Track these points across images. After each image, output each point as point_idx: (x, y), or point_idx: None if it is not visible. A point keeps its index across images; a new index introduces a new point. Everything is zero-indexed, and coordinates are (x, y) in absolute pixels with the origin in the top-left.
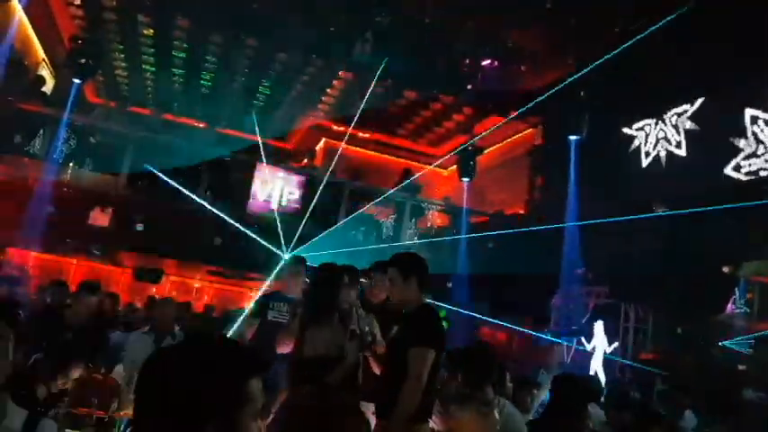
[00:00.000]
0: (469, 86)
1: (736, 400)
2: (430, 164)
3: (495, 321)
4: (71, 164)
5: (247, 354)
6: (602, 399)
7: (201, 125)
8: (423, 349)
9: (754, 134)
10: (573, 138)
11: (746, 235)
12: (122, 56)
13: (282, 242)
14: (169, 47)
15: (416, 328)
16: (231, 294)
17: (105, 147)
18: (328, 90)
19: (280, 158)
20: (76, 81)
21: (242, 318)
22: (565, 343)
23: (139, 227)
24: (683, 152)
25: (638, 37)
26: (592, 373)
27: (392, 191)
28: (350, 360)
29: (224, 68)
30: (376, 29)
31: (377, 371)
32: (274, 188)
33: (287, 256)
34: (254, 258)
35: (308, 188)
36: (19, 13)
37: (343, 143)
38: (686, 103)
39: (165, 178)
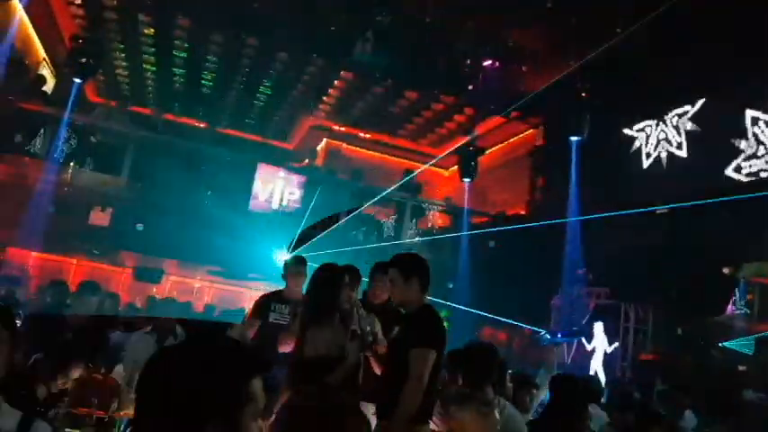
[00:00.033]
0: (470, 87)
1: (737, 401)
2: (430, 164)
3: (496, 321)
4: (72, 163)
5: (249, 354)
6: (603, 399)
7: (202, 125)
8: (424, 350)
9: (755, 135)
10: (574, 138)
11: (747, 236)
12: (123, 55)
13: (283, 242)
14: (170, 46)
15: (417, 329)
16: (231, 294)
17: (106, 146)
18: (329, 90)
19: (280, 158)
20: (77, 80)
21: (243, 318)
22: (565, 342)
23: (140, 227)
24: (683, 153)
25: (632, 29)
26: (592, 373)
27: (391, 186)
28: (350, 360)
29: (225, 68)
30: (377, 29)
31: (378, 371)
32: (275, 188)
33: (287, 256)
34: (255, 258)
35: (309, 188)
36: (20, 13)
37: (344, 143)
38: (687, 104)
39: (166, 178)
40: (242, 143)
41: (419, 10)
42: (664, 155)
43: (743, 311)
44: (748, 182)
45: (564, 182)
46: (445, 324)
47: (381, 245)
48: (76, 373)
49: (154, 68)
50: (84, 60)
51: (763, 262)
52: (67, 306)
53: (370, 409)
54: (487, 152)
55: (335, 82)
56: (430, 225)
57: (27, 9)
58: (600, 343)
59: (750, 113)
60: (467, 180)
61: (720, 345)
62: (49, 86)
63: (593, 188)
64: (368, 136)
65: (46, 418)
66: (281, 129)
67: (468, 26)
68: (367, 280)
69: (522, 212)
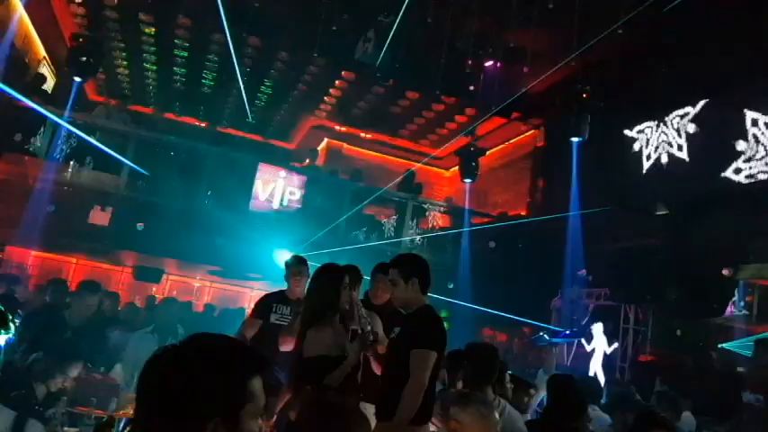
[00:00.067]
0: (472, 87)
1: (735, 403)
2: (432, 164)
3: (496, 322)
4: (71, 162)
5: (249, 353)
6: (602, 400)
7: (203, 124)
8: (424, 351)
9: (755, 137)
10: (575, 140)
11: (747, 238)
12: (123, 54)
13: (283, 242)
14: (170, 45)
15: (418, 330)
16: (231, 294)
17: (106, 145)
18: (331, 90)
19: (281, 158)
20: (77, 79)
21: (244, 318)
22: (565, 343)
23: (140, 226)
24: (684, 155)
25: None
26: (591, 373)
27: (389, 183)
28: (350, 360)
29: (225, 67)
30: (378, 29)
31: (377, 371)
32: (276, 188)
33: (288, 257)
34: (255, 258)
35: (310, 188)
36: (20, 11)
37: (345, 143)
38: (688, 106)
39: (166, 177)
40: (243, 142)
41: (421, 10)
42: (664, 156)
43: (742, 313)
44: (748, 183)
45: (565, 183)
46: (445, 324)
47: (382, 245)
48: (75, 372)
49: (154, 68)
50: (84, 59)
51: (762, 264)
52: (67, 305)
53: (369, 410)
54: (488, 153)
55: (336, 82)
56: (431, 225)
57: (27, 7)
58: (599, 344)
59: (750, 115)
60: (468, 181)
61: (719, 346)
62: (49, 85)
63: (593, 189)
64: (369, 136)
65: (44, 417)
66: (283, 128)
67: (470, 27)
68: (368, 279)
69: (523, 213)
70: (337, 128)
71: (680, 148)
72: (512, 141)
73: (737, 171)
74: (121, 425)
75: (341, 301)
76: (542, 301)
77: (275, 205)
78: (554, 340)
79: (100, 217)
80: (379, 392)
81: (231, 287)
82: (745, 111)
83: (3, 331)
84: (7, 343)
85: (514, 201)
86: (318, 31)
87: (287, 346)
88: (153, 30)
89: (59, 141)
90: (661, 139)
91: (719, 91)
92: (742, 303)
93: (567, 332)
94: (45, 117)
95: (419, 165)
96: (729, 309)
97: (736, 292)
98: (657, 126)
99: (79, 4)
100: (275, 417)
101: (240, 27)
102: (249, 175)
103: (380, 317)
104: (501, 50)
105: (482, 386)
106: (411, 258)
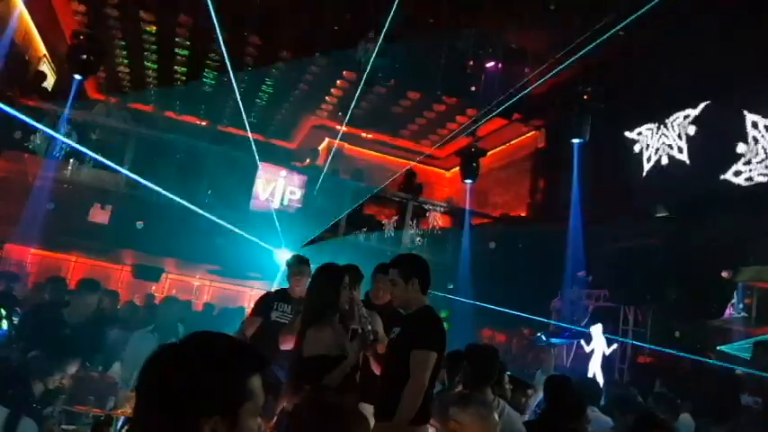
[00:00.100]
0: (473, 88)
1: (734, 405)
2: (433, 165)
3: (496, 323)
4: (71, 160)
5: (249, 351)
6: (602, 402)
7: (203, 123)
8: (425, 352)
9: (755, 139)
10: (576, 141)
11: (746, 240)
12: (124, 52)
13: (283, 242)
14: (171, 44)
15: (418, 331)
16: (231, 293)
17: (106, 143)
18: (332, 90)
19: (282, 158)
20: (78, 77)
21: (244, 316)
22: (565, 344)
23: (139, 224)
24: (684, 157)
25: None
26: (590, 375)
27: (392, 187)
28: (350, 360)
29: (227, 66)
30: (380, 29)
31: (377, 371)
32: (276, 187)
33: (288, 256)
34: (255, 258)
35: (310, 188)
36: (20, 8)
37: (346, 143)
38: (688, 108)
39: (166, 176)
40: (243, 142)
41: (423, 10)
42: (665, 158)
43: (741, 315)
44: (748, 186)
45: (565, 184)
46: (445, 325)
47: (382, 245)
48: (73, 369)
49: (155, 66)
50: (84, 57)
51: (761, 266)
52: (66, 303)
53: (368, 410)
54: (489, 153)
55: (338, 82)
56: (431, 226)
57: (27, 4)
58: (599, 345)
59: (750, 117)
60: (468, 181)
61: (718, 348)
62: (49, 83)
63: (593, 190)
64: (370, 136)
65: (41, 416)
66: (284, 128)
67: (471, 27)
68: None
69: (524, 214)
70: (338, 127)
71: (680, 150)
72: (513, 142)
73: (737, 173)
74: (119, 423)
75: (341, 300)
76: (542, 302)
77: (276, 205)
78: (552, 341)
79: (99, 215)
80: (378, 392)
81: (231, 286)
82: (746, 113)
83: None
84: None
85: (515, 202)
86: (320, 30)
87: (287, 345)
88: (154, 28)
89: (59, 140)
90: (661, 141)
91: (720, 93)
92: (741, 305)
93: (567, 333)
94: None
95: (420, 165)
96: (728, 311)
97: (735, 294)
98: (658, 128)
99: (80, 2)
100: (275, 417)
101: (241, 26)
102: (250, 175)
103: (381, 317)
104: (502, 51)
105: (481, 387)
106: (411, 258)
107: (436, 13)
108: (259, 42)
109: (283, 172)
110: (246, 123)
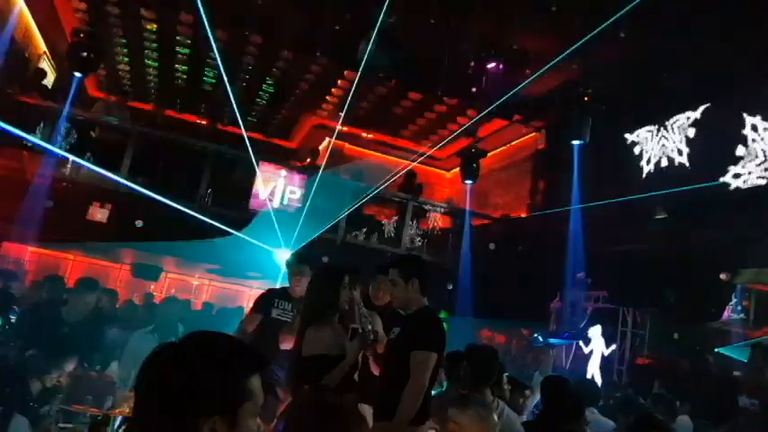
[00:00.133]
0: (474, 89)
1: (732, 407)
2: (433, 166)
3: (495, 323)
4: (70, 158)
5: (248, 351)
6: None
7: (204, 122)
8: (425, 353)
9: (754, 142)
10: (576, 143)
11: (744, 242)
12: (125, 50)
13: (283, 241)
14: (172, 42)
15: (418, 331)
16: (230, 293)
17: (106, 141)
18: (333, 90)
19: (283, 157)
20: (78, 75)
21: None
22: (564, 346)
23: (139, 223)
24: (684, 159)
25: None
26: (588, 376)
27: (392, 187)
28: (349, 359)
29: (227, 65)
30: (381, 29)
31: (376, 372)
32: (276, 186)
33: (287, 255)
34: (254, 257)
35: (310, 187)
36: (20, 4)
37: (346, 143)
38: (688, 110)
39: (166, 175)
40: (243, 141)
41: (424, 11)
42: (664, 160)
43: (739, 317)
44: (747, 188)
45: (565, 186)
46: (444, 326)
47: (382, 245)
48: (71, 367)
49: (156, 64)
50: (85, 54)
51: (760, 268)
52: (64, 302)
53: (366, 410)
54: (490, 154)
55: (339, 81)
56: (431, 226)
57: (27, 1)
58: (597, 346)
59: (750, 120)
60: (469, 182)
61: (716, 350)
62: (48, 80)
63: (593, 192)
64: (371, 136)
65: (38, 414)
66: (284, 127)
67: (473, 28)
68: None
69: (524, 215)
70: (339, 127)
71: (680, 152)
72: (513, 143)
73: (737, 176)
74: (116, 423)
75: (340, 300)
76: (542, 304)
77: (275, 204)
78: (551, 341)
79: (98, 213)
80: (377, 393)
81: (230, 286)
82: (745, 116)
83: None
84: None
85: (515, 203)
86: (322, 30)
87: (287, 345)
88: (154, 26)
89: (59, 137)
90: (661, 143)
91: (720, 96)
92: (739, 308)
93: (566, 334)
94: (44, 112)
95: (420, 165)
96: (727, 313)
97: (733, 296)
98: (658, 130)
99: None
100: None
101: (242, 25)
102: (249, 174)
103: (381, 318)
104: (503, 53)
105: (481, 388)
106: (411, 259)
107: (437, 14)
108: (260, 41)
109: (283, 171)
110: (247, 122)
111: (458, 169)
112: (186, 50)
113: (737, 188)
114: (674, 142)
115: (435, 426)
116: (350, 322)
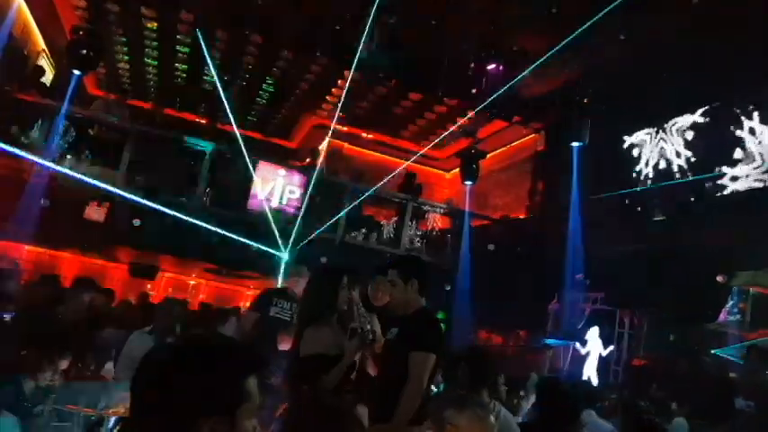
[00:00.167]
0: (474, 90)
1: (728, 408)
2: (433, 166)
3: (493, 324)
4: (68, 156)
5: (245, 352)
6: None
7: (203, 121)
8: (424, 354)
9: (752, 145)
10: (575, 144)
11: (741, 244)
12: (125, 49)
13: (281, 241)
14: (172, 41)
15: (417, 332)
16: (227, 293)
17: (104, 140)
18: (333, 90)
19: (282, 157)
20: (77, 72)
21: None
22: (561, 347)
23: (136, 222)
24: (682, 161)
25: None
26: (585, 377)
27: (392, 188)
28: (347, 359)
29: (227, 65)
30: (382, 29)
31: (373, 372)
32: (275, 186)
33: (286, 256)
34: (252, 257)
35: (310, 187)
36: (18, 1)
37: (346, 143)
38: (687, 113)
39: (164, 173)
40: (243, 140)
41: (424, 11)
42: (663, 163)
43: (736, 319)
44: (744, 191)
45: (564, 187)
46: (442, 326)
47: (381, 246)
48: (65, 365)
49: (155, 63)
50: (84, 52)
51: (756, 271)
52: (60, 301)
53: (362, 412)
54: (489, 155)
55: (339, 81)
56: (430, 227)
57: None
58: (594, 348)
59: (748, 124)
60: (468, 183)
61: (712, 352)
62: (47, 78)
63: (592, 193)
64: (370, 137)
65: (31, 414)
66: (284, 127)
67: (473, 29)
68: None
69: (522, 216)
70: (339, 128)
71: (678, 154)
72: (513, 144)
73: (734, 178)
74: (110, 424)
75: (339, 301)
76: (541, 305)
77: (274, 204)
78: (548, 342)
79: (95, 212)
80: (374, 394)
81: (227, 285)
82: (744, 119)
83: None
84: None
85: (514, 204)
86: (322, 30)
87: (286, 345)
88: (154, 24)
89: (56, 135)
90: (660, 146)
91: (718, 99)
92: (736, 309)
93: (562, 335)
94: (42, 110)
95: (420, 166)
96: (723, 315)
97: (729, 298)
98: (657, 132)
99: None
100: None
101: (243, 25)
102: (248, 173)
103: (379, 319)
104: (503, 53)
105: (478, 389)
106: (411, 260)
107: (437, 15)
108: (260, 41)
109: (282, 171)
110: (247, 122)
111: (457, 170)
112: (186, 49)
113: (735, 191)
114: (673, 145)
115: (433, 428)
116: (349, 322)
